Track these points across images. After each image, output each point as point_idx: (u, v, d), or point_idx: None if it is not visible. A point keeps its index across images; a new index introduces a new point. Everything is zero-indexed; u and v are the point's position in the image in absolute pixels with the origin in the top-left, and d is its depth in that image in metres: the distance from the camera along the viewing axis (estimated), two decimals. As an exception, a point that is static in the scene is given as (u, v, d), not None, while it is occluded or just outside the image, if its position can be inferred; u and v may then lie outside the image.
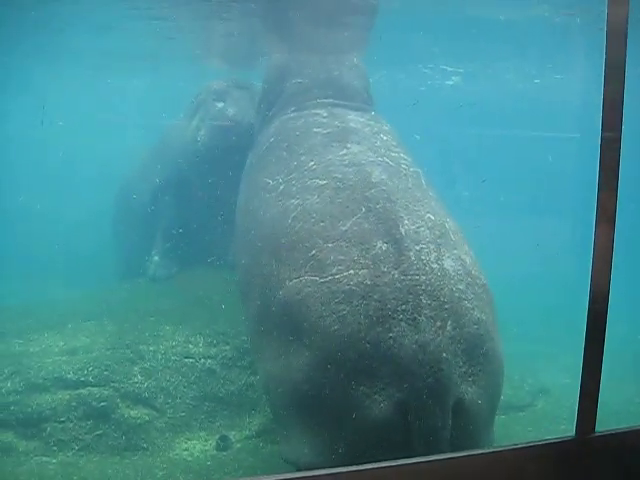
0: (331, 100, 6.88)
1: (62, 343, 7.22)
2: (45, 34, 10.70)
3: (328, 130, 6.21)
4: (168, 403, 6.73)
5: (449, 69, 14.01)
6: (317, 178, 5.47)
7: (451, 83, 15.12)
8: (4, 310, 8.23)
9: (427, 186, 5.69)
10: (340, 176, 5.38)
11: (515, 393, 8.05)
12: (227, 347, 7.16)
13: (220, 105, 8.87)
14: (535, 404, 8.17)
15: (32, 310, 8.15)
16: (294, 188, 5.55)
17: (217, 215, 9.00)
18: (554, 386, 8.46)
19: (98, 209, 12.10)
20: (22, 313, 8.03)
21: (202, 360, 7.04)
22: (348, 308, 4.42)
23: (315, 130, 6.27)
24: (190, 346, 7.16)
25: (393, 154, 5.90)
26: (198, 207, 9.23)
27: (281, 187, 5.75)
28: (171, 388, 6.81)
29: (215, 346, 7.18)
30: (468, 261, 4.94)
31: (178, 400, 6.77)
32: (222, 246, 8.98)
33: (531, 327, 9.59)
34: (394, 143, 6.22)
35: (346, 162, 5.57)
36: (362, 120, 6.49)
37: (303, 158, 5.89)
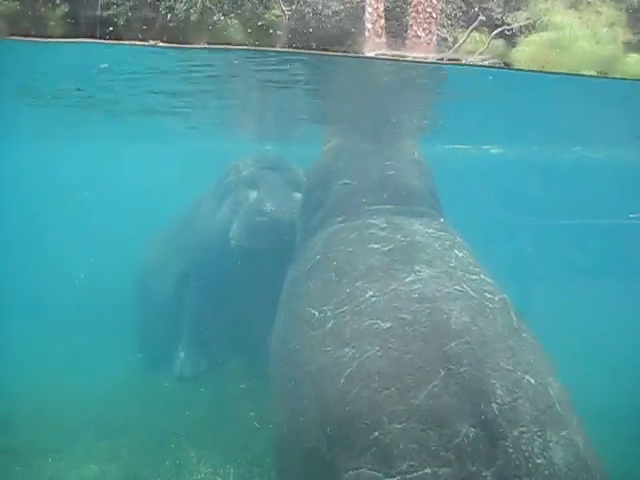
0: (389, 206, 5.70)
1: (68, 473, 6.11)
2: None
3: (389, 246, 4.99)
4: None
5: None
6: (378, 318, 4.23)
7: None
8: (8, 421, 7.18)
9: (518, 320, 4.39)
10: (409, 317, 4.13)
11: None
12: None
13: (253, 194, 7.82)
14: None
15: (40, 418, 7.18)
16: (347, 329, 4.32)
17: (250, 318, 7.99)
18: None
19: (118, 290, 11.10)
20: (29, 423, 7.03)
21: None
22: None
23: (372, 246, 5.07)
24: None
25: (473, 277, 4.65)
26: (230, 305, 8.19)
27: (330, 324, 4.52)
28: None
29: (248, 483, 5.95)
30: (581, 445, 3.59)
31: None
32: (255, 348, 7.84)
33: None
34: (471, 260, 4.96)
35: (416, 295, 4.33)
36: (430, 231, 5.27)
37: (358, 284, 4.68)
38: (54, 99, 8.89)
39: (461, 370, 3.66)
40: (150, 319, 9.44)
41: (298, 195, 7.83)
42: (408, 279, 4.52)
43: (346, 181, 6.15)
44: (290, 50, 6.62)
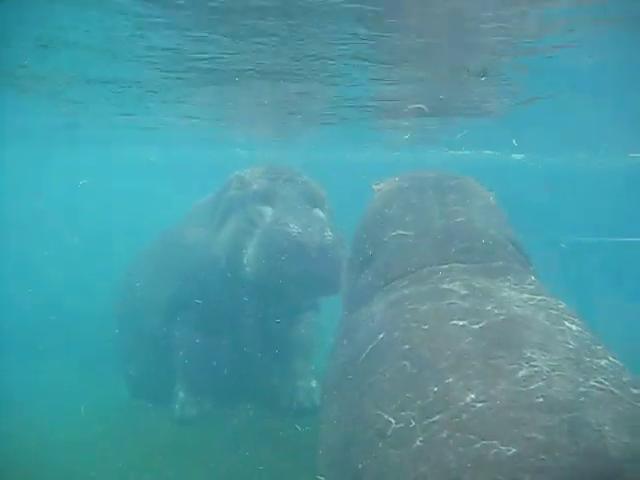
0: (463, 264, 4.50)
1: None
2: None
3: (480, 323, 3.78)
4: None
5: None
6: (494, 438, 3.00)
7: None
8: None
9: None
10: (542, 439, 2.91)
11: None
12: None
13: (268, 212, 6.63)
14: None
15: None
16: (450, 454, 3.08)
17: (264, 352, 7.47)
18: None
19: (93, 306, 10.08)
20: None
21: None
22: None
23: (456, 323, 3.85)
24: None
25: (604, 364, 3.43)
26: (241, 339, 7.37)
27: (418, 441, 3.29)
28: None
29: None
30: None
31: None
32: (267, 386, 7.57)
33: None
34: (589, 335, 3.75)
35: (540, 400, 3.11)
36: (525, 297, 4.07)
37: (450, 382, 3.45)
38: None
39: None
40: (136, 345, 8.43)
41: (319, 212, 6.72)
42: (520, 374, 3.31)
43: (401, 232, 4.95)
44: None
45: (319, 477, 4.29)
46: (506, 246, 4.71)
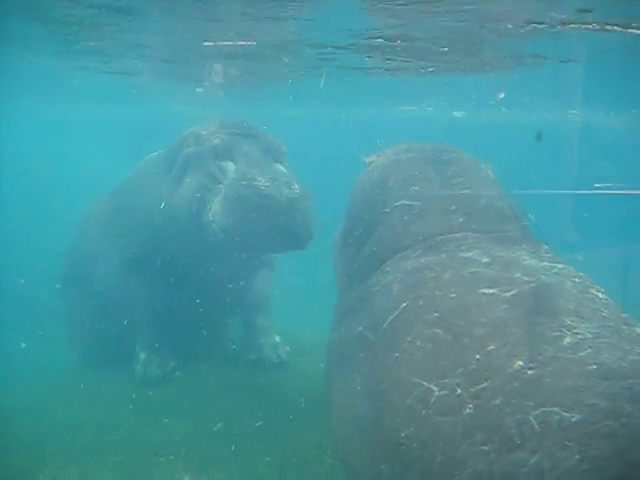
0: (475, 233, 4.52)
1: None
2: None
3: (511, 291, 3.80)
4: None
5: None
6: (554, 405, 3.02)
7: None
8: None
9: None
10: (606, 405, 2.95)
11: None
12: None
13: (230, 167, 6.53)
14: None
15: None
16: (508, 420, 3.08)
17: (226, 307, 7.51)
18: None
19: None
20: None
21: None
22: None
23: (486, 291, 3.86)
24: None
25: (639, 332, 3.53)
26: (203, 295, 7.21)
27: (467, 409, 3.29)
28: None
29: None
30: None
31: None
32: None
33: None
34: (614, 303, 3.86)
35: (594, 367, 3.16)
36: (547, 265, 4.12)
37: (493, 349, 3.46)
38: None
39: None
40: (84, 313, 8.13)
41: (281, 167, 6.67)
42: (566, 341, 3.35)
43: (405, 202, 4.92)
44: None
45: (335, 446, 4.25)
46: (514, 216, 4.77)
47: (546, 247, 4.47)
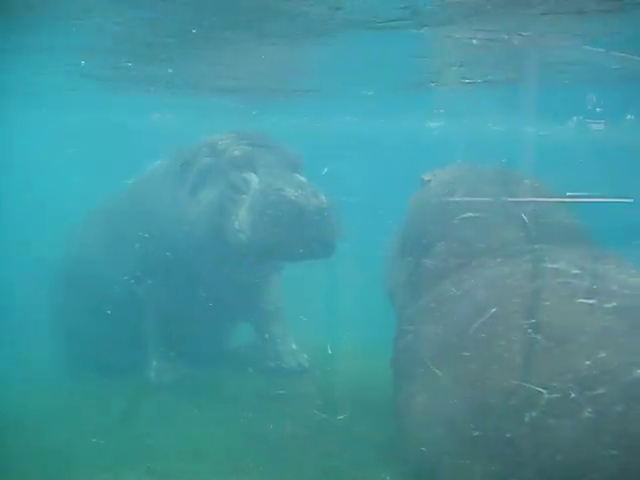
0: (554, 246, 4.59)
1: None
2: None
3: (611, 302, 3.81)
4: None
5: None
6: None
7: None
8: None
9: None
10: None
11: None
12: None
13: (253, 178, 6.50)
14: None
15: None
16: (629, 426, 3.05)
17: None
18: None
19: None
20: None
21: None
22: None
23: (584, 301, 3.87)
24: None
25: None
26: (212, 305, 7.04)
27: (586, 412, 3.27)
28: None
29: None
30: None
31: None
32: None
33: None
34: None
35: None
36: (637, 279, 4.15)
37: (604, 356, 3.46)
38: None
39: None
40: (86, 320, 7.78)
41: (301, 178, 6.64)
42: None
43: (471, 214, 4.99)
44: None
45: (414, 450, 4.16)
46: (585, 232, 4.85)
47: (631, 263, 4.50)
